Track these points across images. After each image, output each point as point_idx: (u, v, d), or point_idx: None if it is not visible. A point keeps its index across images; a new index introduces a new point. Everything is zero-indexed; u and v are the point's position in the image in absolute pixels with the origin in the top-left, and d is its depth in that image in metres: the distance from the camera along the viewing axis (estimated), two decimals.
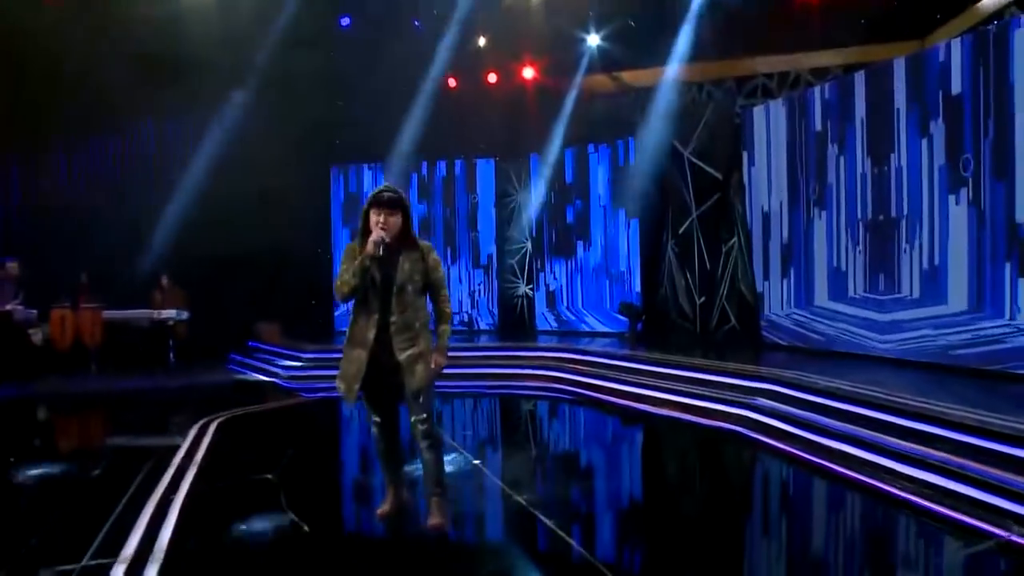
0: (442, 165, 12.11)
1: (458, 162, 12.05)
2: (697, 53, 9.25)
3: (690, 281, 9.34)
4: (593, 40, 10.79)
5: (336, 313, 11.85)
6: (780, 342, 8.24)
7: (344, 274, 3.25)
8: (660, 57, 9.66)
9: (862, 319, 7.26)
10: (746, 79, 9.11)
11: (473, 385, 8.38)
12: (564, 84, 11.45)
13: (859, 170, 7.23)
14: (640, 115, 10.06)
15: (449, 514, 3.45)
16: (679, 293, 9.58)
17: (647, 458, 5.88)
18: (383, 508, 3.55)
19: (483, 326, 11.80)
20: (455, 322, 11.57)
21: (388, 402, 3.42)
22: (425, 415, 3.30)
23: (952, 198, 6.26)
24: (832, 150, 7.52)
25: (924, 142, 6.46)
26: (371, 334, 3.24)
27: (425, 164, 12.07)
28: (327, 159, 11.99)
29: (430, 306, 3.43)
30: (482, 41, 11.78)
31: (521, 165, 11.71)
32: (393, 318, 3.25)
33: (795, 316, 8.08)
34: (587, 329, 10.75)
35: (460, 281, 11.94)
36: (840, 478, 4.47)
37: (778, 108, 8.22)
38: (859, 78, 7.14)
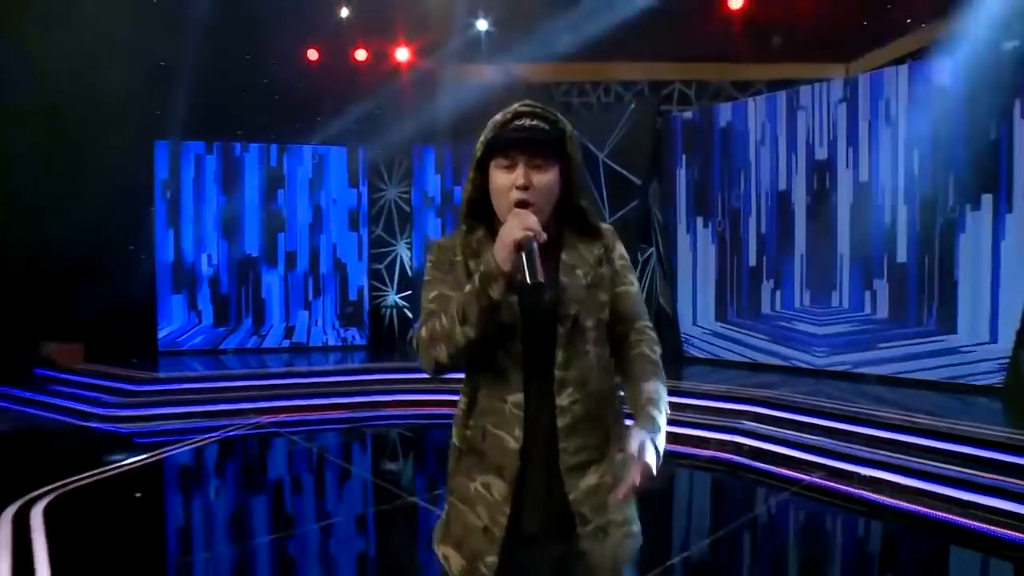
0: (301, 151, 10.20)
1: (307, 148, 10.24)
2: (611, 53, 8.80)
3: None
4: (482, 25, 9.87)
5: (162, 332, 9.32)
6: (700, 356, 8.06)
7: (433, 316, 1.43)
8: (564, 53, 9.09)
9: (786, 331, 7.30)
10: (663, 84, 8.86)
11: (368, 416, 6.95)
12: (446, 71, 10.36)
13: (764, 189, 7.35)
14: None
15: None
16: None
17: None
18: None
19: (332, 341, 10.06)
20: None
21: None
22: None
23: None
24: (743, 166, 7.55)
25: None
26: (512, 438, 1.43)
27: (275, 148, 10.06)
28: (149, 132, 9.37)
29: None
30: (344, 12, 10.20)
31: (394, 157, 10.32)
32: (562, 398, 1.43)
33: (715, 329, 7.95)
34: None
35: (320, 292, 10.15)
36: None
37: (694, 117, 8.14)
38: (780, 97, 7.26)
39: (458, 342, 1.37)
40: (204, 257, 9.61)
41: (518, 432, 1.41)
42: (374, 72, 10.19)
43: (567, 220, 1.51)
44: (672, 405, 5.33)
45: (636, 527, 1.51)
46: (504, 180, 1.42)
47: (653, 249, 8.44)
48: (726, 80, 8.38)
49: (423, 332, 1.44)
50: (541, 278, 1.29)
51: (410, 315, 10.22)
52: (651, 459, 1.29)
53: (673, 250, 8.30)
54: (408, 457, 6.02)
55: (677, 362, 8.08)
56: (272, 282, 9.82)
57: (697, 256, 8.12)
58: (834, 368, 6.91)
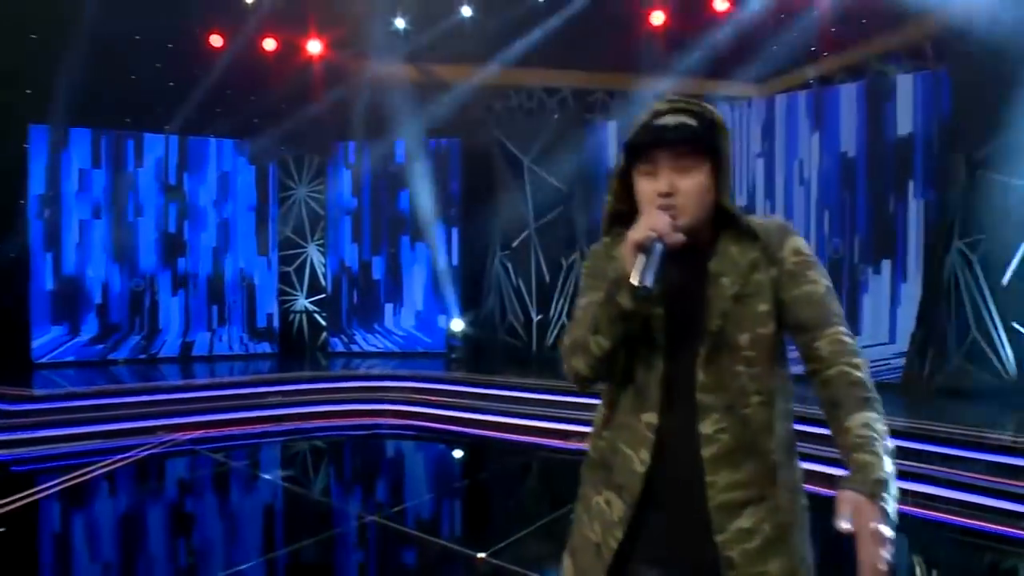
0: (200, 144, 9.41)
1: (206, 141, 9.52)
2: (534, 59, 8.85)
3: (525, 297, 8.81)
4: (400, 23, 9.61)
5: (36, 340, 8.24)
6: None
7: (579, 324, 1.35)
8: (486, 56, 9.04)
9: None
10: (587, 92, 8.99)
11: (279, 430, 6.53)
12: (361, 67, 9.98)
13: None
14: (462, 114, 9.25)
15: None
16: (509, 309, 8.97)
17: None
18: None
19: (237, 349, 9.38)
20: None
21: None
22: None
23: None
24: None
25: None
26: (640, 464, 1.31)
27: (176, 139, 9.24)
28: (22, 115, 8.27)
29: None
30: None
31: (304, 155, 9.80)
32: (705, 425, 1.27)
33: None
34: (396, 349, 9.38)
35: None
36: None
37: (613, 128, 8.37)
38: None
39: (593, 352, 1.29)
40: (89, 259, 8.65)
41: (645, 455, 1.29)
42: (284, 63, 9.63)
43: (726, 222, 1.33)
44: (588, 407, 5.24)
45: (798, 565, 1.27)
46: (647, 188, 1.29)
47: (577, 254, 8.56)
48: (649, 92, 8.64)
49: (566, 340, 1.36)
50: (647, 283, 1.15)
51: (323, 321, 9.74)
52: (877, 525, 1.03)
53: None
54: (355, 471, 5.70)
55: None
56: (168, 287, 9.01)
57: None
58: None
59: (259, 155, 9.63)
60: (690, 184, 1.27)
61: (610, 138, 8.42)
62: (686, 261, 1.29)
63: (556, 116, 8.59)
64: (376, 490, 5.19)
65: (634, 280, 1.16)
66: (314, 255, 9.82)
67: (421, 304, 9.39)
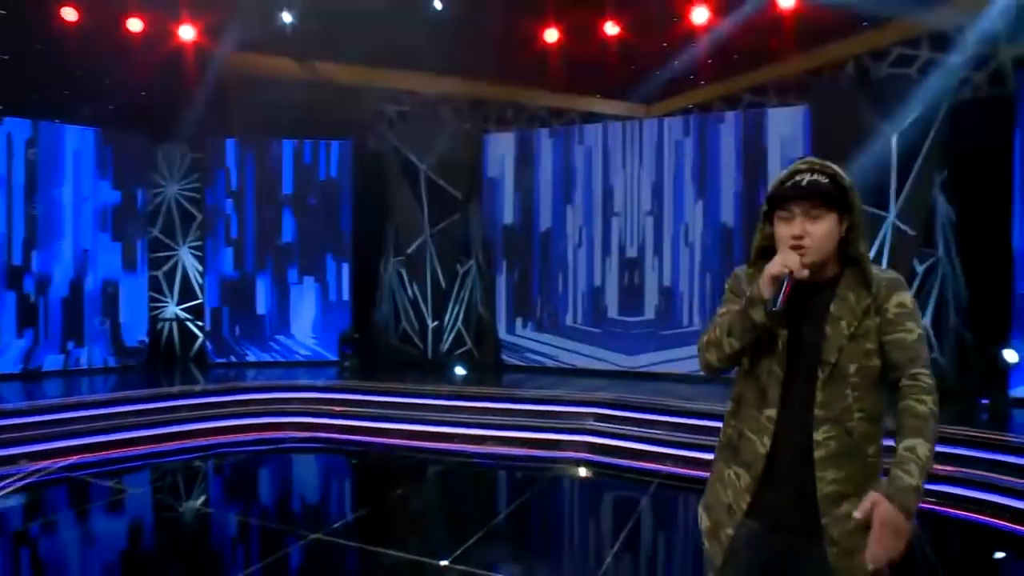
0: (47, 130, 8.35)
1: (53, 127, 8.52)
2: (429, 65, 8.84)
3: (421, 303, 8.77)
4: (287, 17, 9.15)
5: None
6: (521, 363, 8.51)
7: (716, 327, 1.71)
8: (379, 58, 8.89)
9: (604, 339, 8.12)
10: (481, 103, 9.11)
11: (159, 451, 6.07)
12: (241, 59, 9.38)
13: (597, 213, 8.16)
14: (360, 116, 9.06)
15: None
16: (403, 315, 8.88)
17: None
18: None
19: (100, 362, 8.45)
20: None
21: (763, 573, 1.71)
22: None
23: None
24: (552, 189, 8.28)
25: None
26: (762, 447, 1.65)
27: (27, 124, 8.14)
28: None
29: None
30: None
31: (176, 150, 9.05)
32: (819, 433, 1.59)
33: (536, 338, 8.48)
34: (280, 359, 8.94)
35: None
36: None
37: (511, 139, 8.60)
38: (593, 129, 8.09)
39: (724, 350, 1.67)
40: None
41: (767, 441, 1.65)
42: (151, 48, 8.83)
43: (850, 265, 1.64)
44: (517, 412, 5.62)
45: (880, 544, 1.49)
46: (784, 231, 1.62)
47: (473, 262, 8.67)
48: (543, 106, 8.96)
49: (704, 338, 1.73)
50: (778, 307, 1.53)
51: (197, 331, 9.04)
52: (884, 522, 1.39)
53: (498, 263, 8.63)
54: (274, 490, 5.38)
55: (497, 369, 8.43)
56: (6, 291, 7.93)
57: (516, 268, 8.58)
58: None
59: (118, 147, 8.74)
60: (818, 230, 1.60)
61: (507, 149, 8.61)
62: (812, 296, 1.64)
63: (453, 126, 8.64)
64: (307, 507, 4.99)
65: (770, 306, 1.55)
66: (186, 258, 9.09)
67: (312, 311, 9.03)
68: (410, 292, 8.81)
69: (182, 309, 9.08)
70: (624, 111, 8.60)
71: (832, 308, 1.62)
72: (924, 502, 4.41)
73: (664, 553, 4.28)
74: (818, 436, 1.59)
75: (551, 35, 8.38)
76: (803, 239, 1.58)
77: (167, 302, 9.05)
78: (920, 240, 6.64)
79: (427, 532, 4.43)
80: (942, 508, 4.59)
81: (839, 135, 6.83)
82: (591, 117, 8.64)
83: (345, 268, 9.04)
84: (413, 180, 8.69)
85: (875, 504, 1.41)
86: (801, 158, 1.68)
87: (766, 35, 7.44)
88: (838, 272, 1.66)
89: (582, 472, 5.70)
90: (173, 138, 8.99)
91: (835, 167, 1.63)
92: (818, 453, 1.59)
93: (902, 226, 6.66)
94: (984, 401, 5.84)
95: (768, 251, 1.68)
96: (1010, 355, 6.09)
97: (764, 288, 1.57)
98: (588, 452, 5.97)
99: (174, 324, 9.07)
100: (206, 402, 6.77)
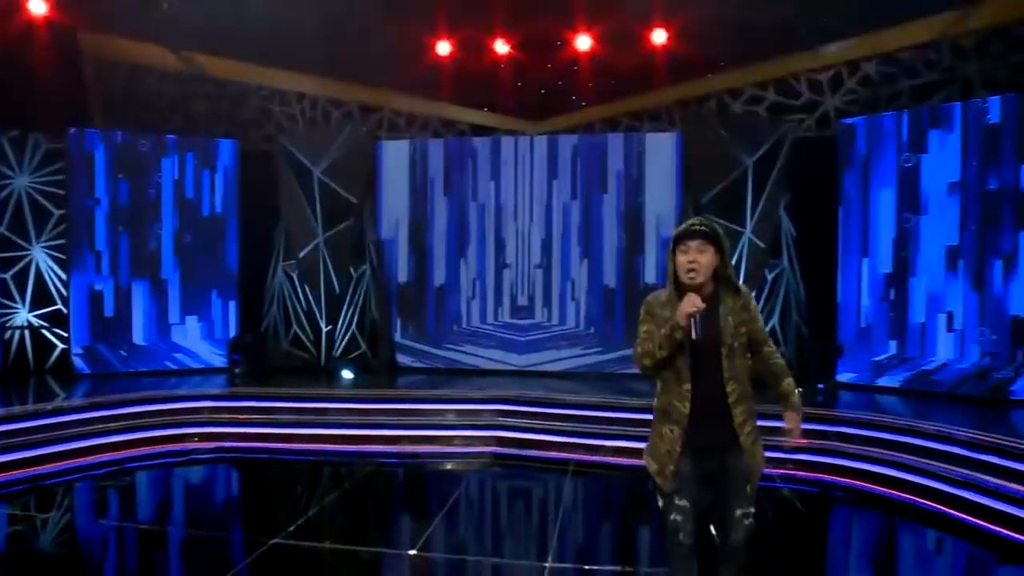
0: None
1: None
2: (321, 69, 8.80)
3: (314, 308, 8.68)
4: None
5: None
6: (416, 365, 8.75)
7: (646, 342, 2.60)
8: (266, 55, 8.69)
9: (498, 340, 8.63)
10: (373, 109, 9.16)
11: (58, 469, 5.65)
12: (103, 42, 8.66)
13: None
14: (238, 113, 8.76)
15: None
16: (294, 320, 8.73)
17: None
18: None
19: None
20: None
21: (703, 486, 2.63)
22: (753, 507, 2.65)
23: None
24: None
25: None
26: (685, 409, 2.56)
27: None
28: None
29: None
30: None
31: (27, 137, 8.18)
32: (728, 387, 2.57)
33: (430, 340, 8.77)
34: (163, 367, 8.38)
35: None
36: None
37: (403, 147, 8.83)
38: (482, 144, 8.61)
39: (656, 357, 2.57)
40: None
41: (688, 404, 2.58)
42: None
43: (721, 282, 2.62)
44: (423, 412, 6.01)
45: (760, 447, 2.68)
46: (683, 259, 2.57)
47: (367, 266, 8.75)
48: (434, 115, 9.23)
49: (638, 349, 2.63)
50: (699, 336, 2.50)
51: (56, 340, 8.21)
52: (798, 419, 2.73)
53: (393, 268, 8.78)
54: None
55: (392, 372, 8.61)
56: None
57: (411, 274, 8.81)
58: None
59: None
60: (704, 258, 2.56)
61: (402, 155, 8.79)
62: (711, 316, 2.56)
63: (348, 130, 8.67)
64: (249, 514, 4.91)
65: (692, 335, 2.49)
66: (40, 258, 8.23)
67: (197, 316, 8.58)
68: (302, 297, 8.69)
69: (35, 315, 8.21)
70: (513, 125, 9.13)
71: (721, 310, 2.59)
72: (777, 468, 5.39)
73: (599, 533, 4.85)
74: (728, 389, 2.57)
75: (443, 47, 8.70)
76: (695, 263, 2.54)
77: (17, 308, 8.13)
78: (769, 252, 7.89)
79: (385, 526, 4.63)
80: (795, 471, 5.62)
81: (704, 161, 7.90)
82: (481, 130, 9.08)
83: (234, 269, 8.70)
84: (306, 183, 8.59)
85: (791, 414, 2.72)
86: (694, 217, 2.76)
87: (640, 66, 8.36)
88: (713, 289, 2.59)
89: (490, 462, 6.15)
90: (23, 125, 8.10)
91: (713, 222, 2.63)
92: (731, 399, 2.57)
93: (756, 240, 7.86)
94: (820, 386, 7.11)
95: (674, 273, 2.62)
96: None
97: (682, 321, 2.48)
98: (496, 446, 6.42)
99: (26, 331, 8.17)
100: (97, 416, 6.29)
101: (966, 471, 4.93)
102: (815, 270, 7.86)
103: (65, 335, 8.22)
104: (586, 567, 3.88)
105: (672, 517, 2.65)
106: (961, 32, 7.25)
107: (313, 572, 3.90)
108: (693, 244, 2.54)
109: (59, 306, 8.26)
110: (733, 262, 7.39)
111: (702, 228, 2.57)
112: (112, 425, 6.36)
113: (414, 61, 8.75)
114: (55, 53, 8.28)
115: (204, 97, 9.02)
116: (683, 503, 2.64)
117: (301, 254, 8.67)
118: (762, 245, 7.88)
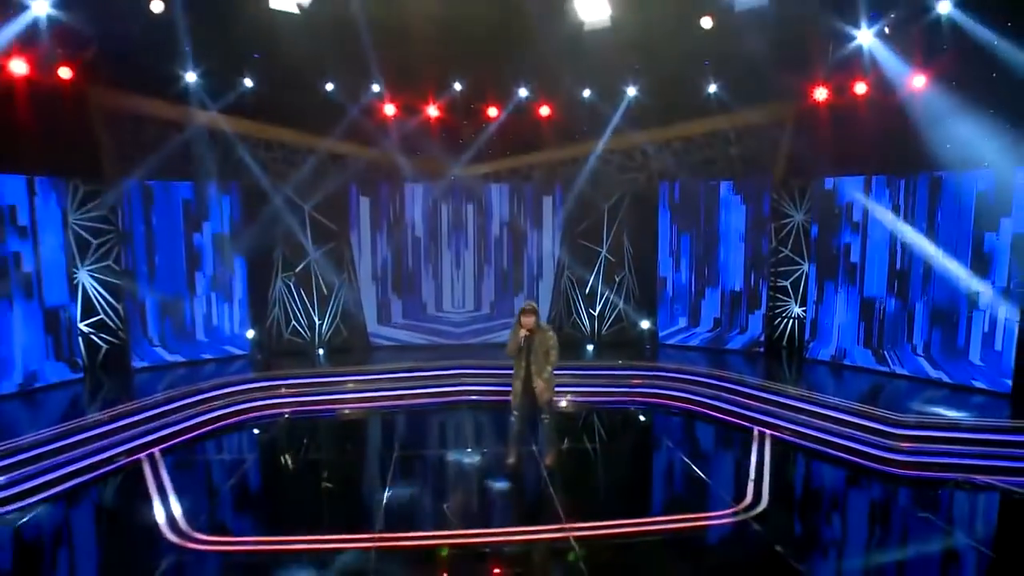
0: None
1: None
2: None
3: (309, 306, 11.90)
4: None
5: None
6: (386, 344, 12.39)
7: (510, 342, 7.30)
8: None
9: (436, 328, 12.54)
10: (342, 158, 12.20)
11: None
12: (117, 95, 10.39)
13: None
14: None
15: (554, 459, 7.53)
16: (293, 317, 11.89)
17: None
18: (511, 460, 7.45)
19: None
20: None
21: (527, 405, 7.33)
22: (546, 415, 7.39)
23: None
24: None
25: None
26: (522, 373, 7.26)
27: None
28: None
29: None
30: None
31: None
32: (533, 368, 7.18)
33: (392, 326, 12.43)
34: (209, 356, 11.18)
35: None
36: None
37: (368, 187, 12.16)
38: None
39: (513, 352, 7.42)
40: None
41: (523, 373, 7.39)
42: None
43: (536, 327, 7.29)
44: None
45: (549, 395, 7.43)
46: (524, 319, 7.27)
47: (346, 275, 12.10)
48: (387, 162, 12.50)
49: (508, 347, 7.44)
50: (524, 346, 7.34)
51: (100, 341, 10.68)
52: (545, 388, 7.35)
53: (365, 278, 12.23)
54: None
55: (367, 351, 12.17)
56: None
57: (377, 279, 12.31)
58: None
59: None
60: (531, 320, 7.29)
61: (368, 193, 12.11)
62: (530, 336, 7.30)
63: (332, 175, 11.79)
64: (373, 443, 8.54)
65: (522, 345, 7.36)
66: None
67: (214, 319, 11.44)
68: (299, 299, 11.88)
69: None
70: (443, 170, 12.71)
71: (536, 340, 7.27)
72: (628, 397, 10.06)
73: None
74: (533, 369, 7.29)
75: (390, 109, 11.97)
76: (529, 322, 7.21)
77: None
78: (617, 263, 12.53)
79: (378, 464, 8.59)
80: (636, 399, 10.37)
81: (579, 206, 12.25)
82: (420, 176, 12.52)
83: (243, 282, 11.61)
84: (299, 217, 11.66)
85: (539, 382, 7.31)
86: (530, 299, 8.81)
87: (530, 130, 12.33)
88: (534, 327, 7.25)
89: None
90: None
91: (535, 305, 7.42)
92: (533, 369, 7.30)
93: (609, 256, 12.46)
94: (647, 347, 11.98)
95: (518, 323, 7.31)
96: (644, 324, 12.43)
97: (520, 339, 7.23)
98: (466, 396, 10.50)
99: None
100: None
101: (713, 392, 9.96)
102: (642, 275, 12.67)
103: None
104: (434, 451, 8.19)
105: (514, 414, 7.41)
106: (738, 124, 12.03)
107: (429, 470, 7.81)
108: (526, 313, 7.15)
109: (100, 316, 10.65)
110: (593, 273, 12.23)
111: (533, 306, 7.17)
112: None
113: (369, 119, 11.94)
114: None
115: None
116: (517, 413, 7.38)
117: (298, 268, 11.81)
118: (612, 259, 12.51)
